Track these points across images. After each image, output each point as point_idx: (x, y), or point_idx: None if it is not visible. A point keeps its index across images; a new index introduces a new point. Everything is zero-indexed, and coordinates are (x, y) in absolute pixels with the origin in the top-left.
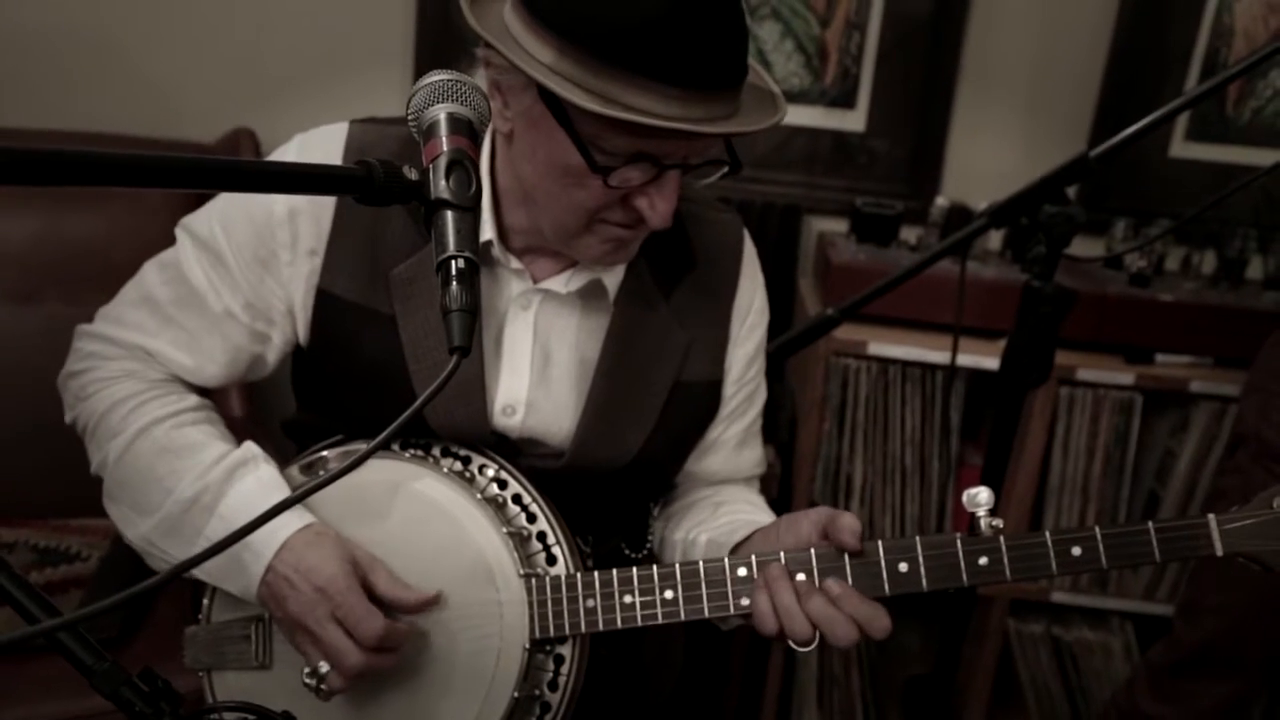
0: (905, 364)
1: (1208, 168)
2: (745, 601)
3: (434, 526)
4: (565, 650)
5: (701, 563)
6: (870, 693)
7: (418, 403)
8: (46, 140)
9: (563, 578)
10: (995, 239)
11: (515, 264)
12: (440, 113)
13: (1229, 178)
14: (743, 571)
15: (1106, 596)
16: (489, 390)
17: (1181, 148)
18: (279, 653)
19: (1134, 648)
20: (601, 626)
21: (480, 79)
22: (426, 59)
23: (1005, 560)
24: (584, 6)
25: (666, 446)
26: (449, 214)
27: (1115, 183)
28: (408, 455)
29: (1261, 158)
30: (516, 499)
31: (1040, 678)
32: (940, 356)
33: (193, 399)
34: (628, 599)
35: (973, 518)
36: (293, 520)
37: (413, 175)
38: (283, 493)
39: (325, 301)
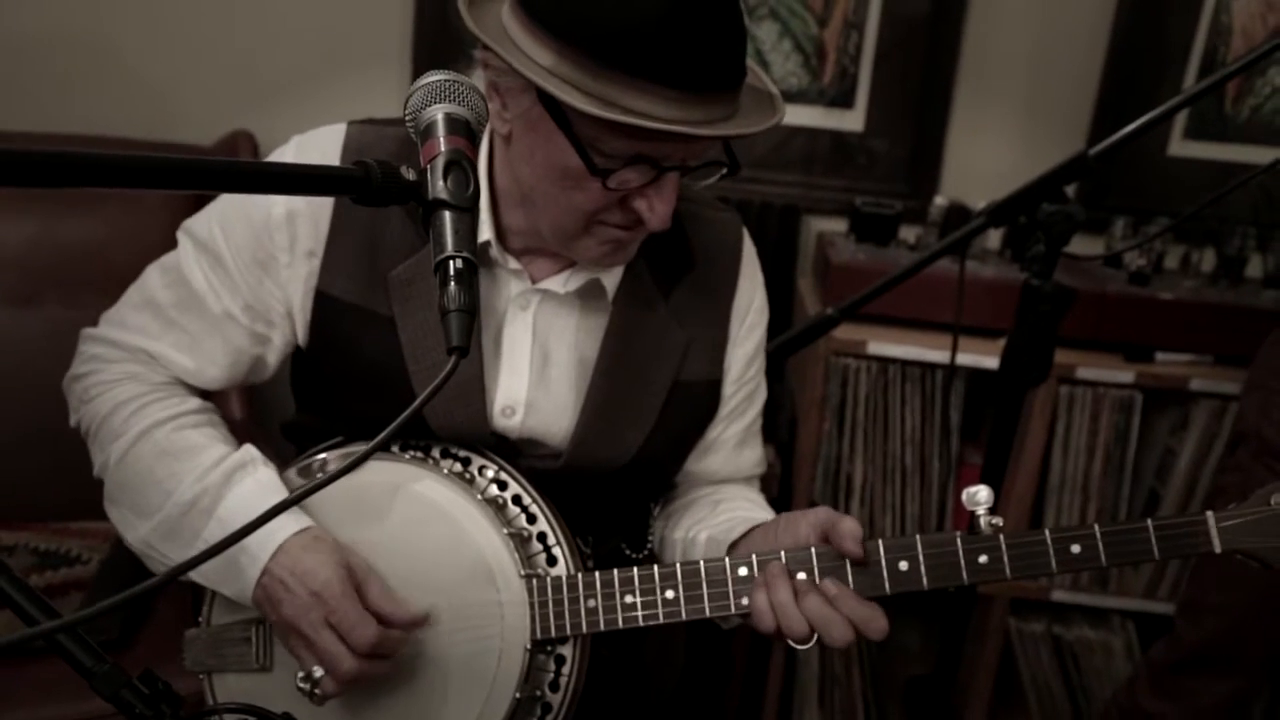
0: (905, 363)
1: (1207, 166)
2: (746, 601)
3: (434, 528)
4: (566, 651)
5: (702, 562)
6: (871, 692)
7: (415, 404)
8: (44, 143)
9: (563, 578)
10: (994, 238)
11: (514, 264)
12: (438, 113)
13: (1228, 176)
14: (744, 571)
15: (1107, 595)
16: (488, 391)
17: (1180, 146)
18: (279, 655)
19: (1135, 646)
20: (603, 626)
21: (478, 80)
22: (424, 60)
23: (1005, 558)
24: (582, 9)
25: (666, 446)
26: (447, 214)
27: (1114, 181)
28: (407, 457)
29: (1260, 155)
30: (516, 500)
31: (1041, 677)
32: (940, 356)
33: (194, 401)
34: (628, 599)
35: (972, 516)
36: (290, 523)
37: (410, 176)
38: (281, 495)
39: (324, 303)
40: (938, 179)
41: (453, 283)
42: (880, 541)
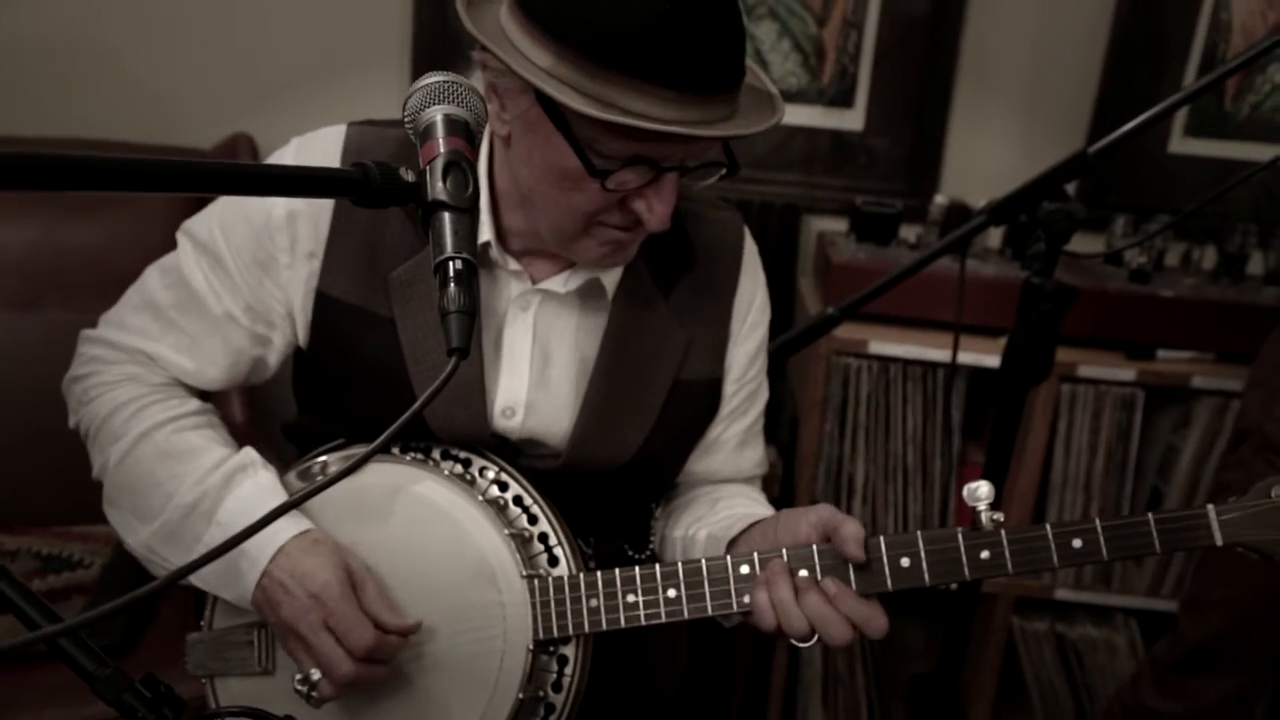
0: (906, 362)
1: (1207, 163)
2: (748, 599)
3: (435, 529)
4: (569, 651)
5: (704, 560)
6: (875, 691)
7: (415, 406)
8: (43, 147)
9: (565, 578)
10: (995, 236)
11: (514, 265)
12: (436, 114)
13: (1228, 173)
14: (745, 569)
15: (1110, 593)
16: (488, 392)
17: (1180, 143)
18: (281, 658)
19: (1138, 644)
20: (605, 626)
21: (477, 82)
22: (423, 62)
23: (1007, 553)
24: (580, 10)
25: (666, 446)
26: (446, 215)
27: (1115, 179)
28: (408, 459)
29: (1260, 152)
30: (518, 500)
31: (1045, 675)
32: (941, 355)
33: (194, 403)
34: (630, 598)
35: (974, 512)
36: (289, 526)
37: (409, 177)
38: (280, 498)
39: (324, 304)
40: (938, 178)
41: (452, 284)
42: (882, 538)
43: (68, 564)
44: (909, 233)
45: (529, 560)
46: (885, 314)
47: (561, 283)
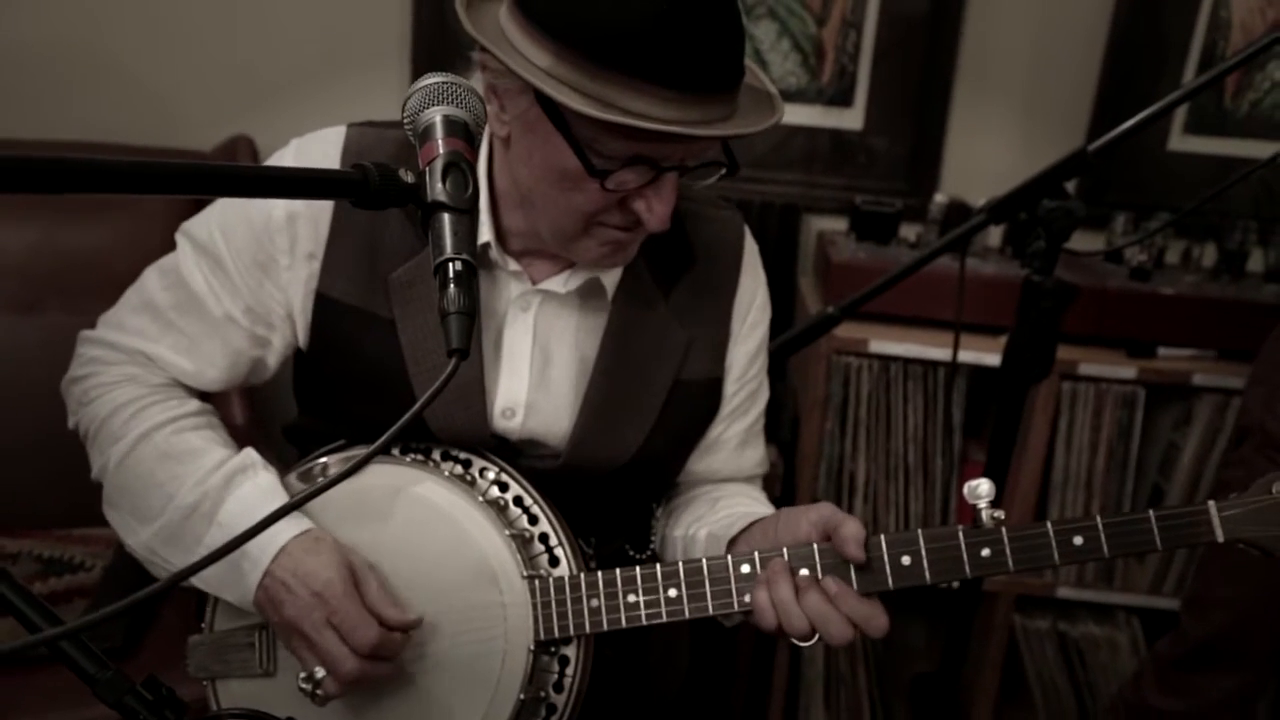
0: (907, 361)
1: (1207, 160)
2: (749, 598)
3: (436, 530)
4: (570, 651)
5: (705, 560)
6: (877, 690)
7: (416, 407)
8: (44, 150)
9: (566, 578)
10: (995, 235)
11: (513, 266)
12: (436, 115)
13: (1228, 170)
14: (746, 568)
15: (1112, 591)
16: (488, 393)
17: (1180, 141)
18: (283, 660)
19: (1140, 642)
20: (606, 626)
21: (477, 83)
22: (423, 63)
23: (1007, 551)
24: (580, 10)
25: (667, 445)
26: (446, 216)
27: (1114, 177)
28: (408, 460)
29: (1260, 150)
30: (518, 501)
31: (1047, 673)
32: (942, 353)
33: (194, 404)
34: (631, 598)
35: (975, 510)
36: (290, 526)
37: (409, 178)
38: (281, 499)
39: (324, 305)
40: (937, 177)
41: (452, 285)
42: (883, 537)
43: (69, 567)
44: (909, 232)
45: (530, 561)
46: (886, 313)
47: (561, 283)
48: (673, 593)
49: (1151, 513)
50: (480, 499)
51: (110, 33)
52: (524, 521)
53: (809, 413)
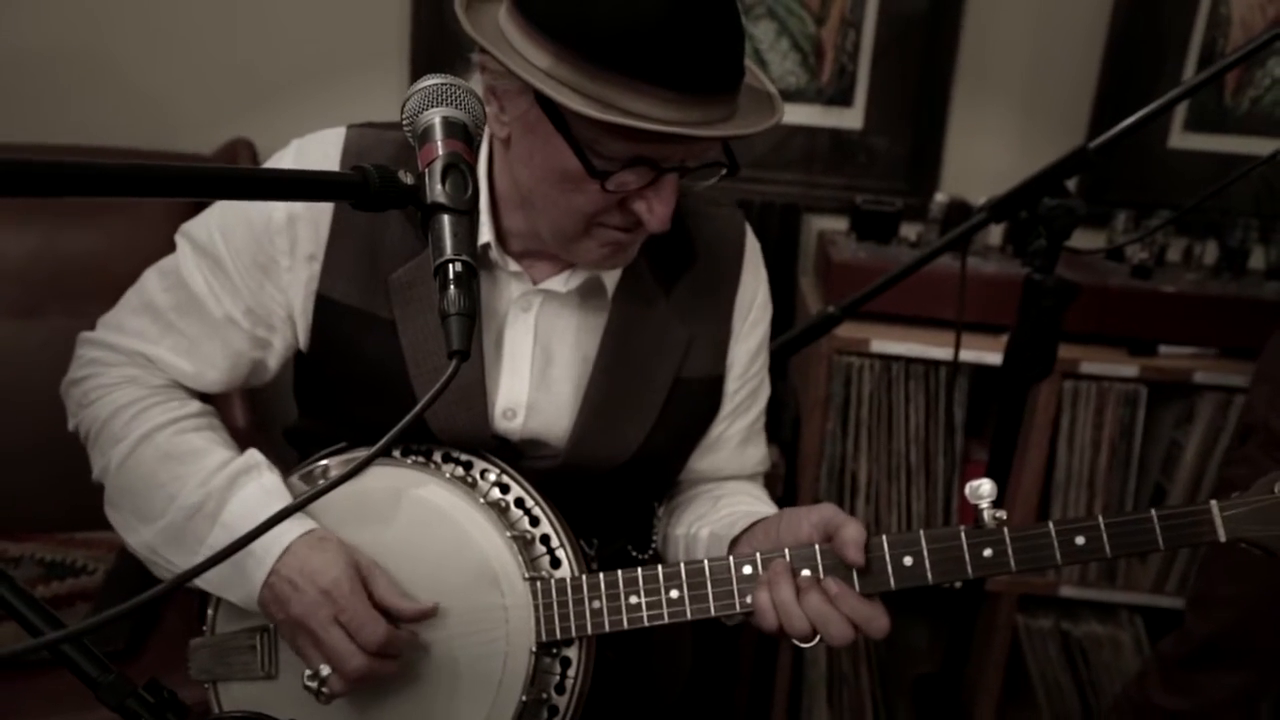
0: (908, 361)
1: (1207, 158)
2: (751, 599)
3: (437, 532)
4: (572, 653)
5: (707, 561)
6: (880, 691)
7: (416, 409)
8: (44, 155)
9: (567, 580)
10: (995, 234)
11: (514, 267)
12: (435, 117)
13: (1229, 167)
14: (748, 570)
15: (1115, 590)
16: (489, 394)
17: (1180, 138)
18: (284, 662)
19: (1144, 641)
20: (608, 628)
21: (476, 84)
22: (422, 64)
23: (1009, 551)
24: (579, 10)
25: (668, 443)
26: (445, 218)
27: (1115, 174)
28: (409, 461)
29: (1261, 146)
30: (519, 503)
31: (1050, 673)
32: (943, 353)
33: (194, 405)
34: (633, 599)
35: (977, 510)
36: (295, 527)
37: (408, 180)
38: (285, 500)
39: (325, 306)
40: (938, 176)
41: (452, 286)
42: (884, 537)
43: (71, 570)
44: (909, 231)
45: (531, 562)
46: (887, 312)
47: (562, 282)
48: (674, 594)
49: (1153, 512)
50: (481, 501)
51: (109, 37)
52: (525, 523)
53: (810, 413)
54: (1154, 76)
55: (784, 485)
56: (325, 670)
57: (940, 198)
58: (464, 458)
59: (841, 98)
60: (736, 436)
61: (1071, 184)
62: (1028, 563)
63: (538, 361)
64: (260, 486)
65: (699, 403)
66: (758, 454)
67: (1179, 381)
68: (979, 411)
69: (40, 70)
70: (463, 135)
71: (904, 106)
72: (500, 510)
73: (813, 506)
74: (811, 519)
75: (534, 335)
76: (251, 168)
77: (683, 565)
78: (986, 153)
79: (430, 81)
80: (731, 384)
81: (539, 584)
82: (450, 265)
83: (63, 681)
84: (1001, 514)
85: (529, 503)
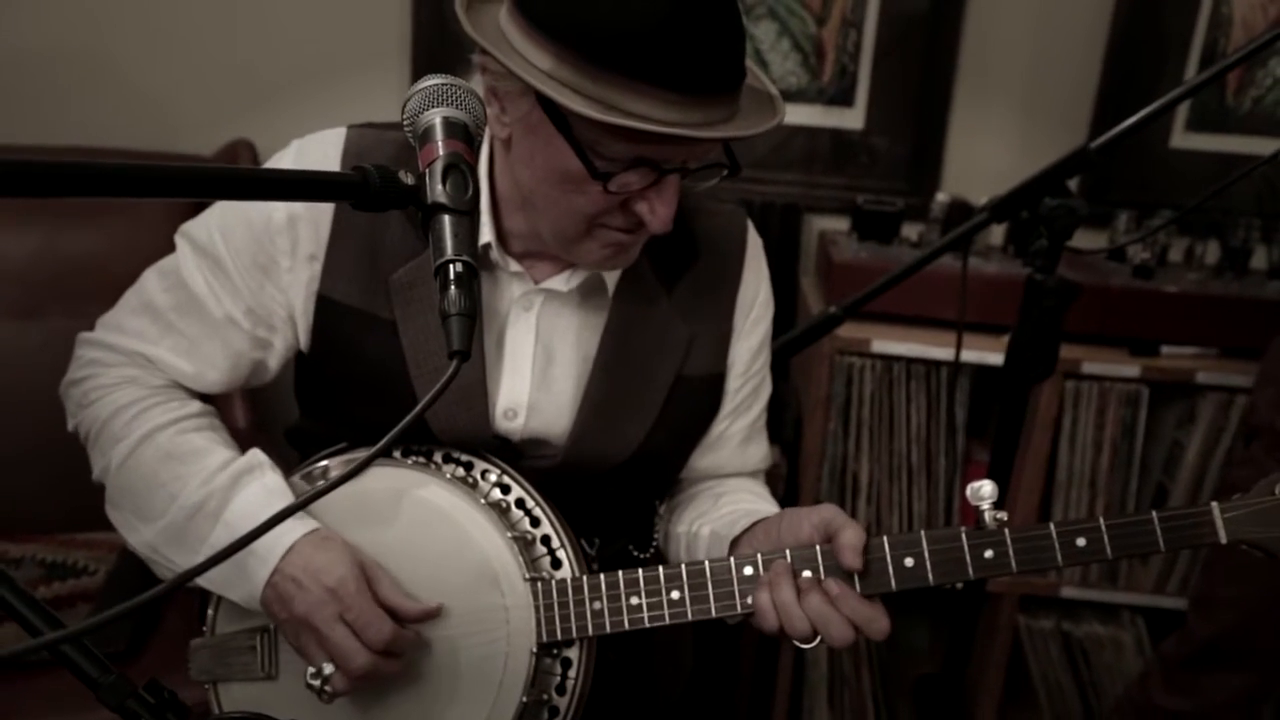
0: (909, 361)
1: (1209, 158)
2: (752, 600)
3: (438, 532)
4: (573, 654)
5: (708, 562)
6: (881, 691)
7: (417, 409)
8: (43, 155)
9: (568, 580)
10: (997, 234)
11: (515, 267)
12: (435, 117)
13: (1231, 167)
14: (749, 570)
15: (1116, 591)
16: (490, 394)
17: (1182, 138)
18: (285, 663)
19: (1145, 642)
20: (609, 629)
21: (477, 85)
22: (423, 65)
23: (1010, 552)
24: (580, 11)
25: (668, 441)
26: (446, 218)
27: (1116, 174)
28: (410, 462)
29: (1263, 146)
30: (520, 503)
31: (1051, 673)
32: (944, 353)
33: (195, 405)
34: (634, 600)
35: (978, 511)
36: (298, 526)
37: (409, 180)
38: (288, 500)
39: (325, 307)
40: (939, 176)
41: (453, 286)
42: (885, 538)
43: (72, 571)
44: (910, 231)
45: (532, 563)
46: (888, 312)
47: (563, 281)
48: (675, 595)
49: (1154, 514)
50: (482, 501)
51: (109, 37)
52: (526, 524)
53: (812, 413)
54: (1155, 76)
55: (785, 485)
56: (328, 669)
57: (941, 198)
58: (464, 458)
59: (842, 98)
60: (738, 434)
61: (1073, 184)
62: (1029, 564)
63: (539, 361)
64: (263, 486)
65: (700, 401)
66: (759, 452)
67: (1181, 382)
68: (980, 412)
69: (40, 70)
70: (463, 135)
71: (905, 106)
72: (501, 511)
73: (814, 507)
74: (813, 520)
75: (535, 335)
76: (251, 168)
77: (684, 566)
78: (988, 153)
79: (431, 81)
80: (733, 382)
81: (540, 585)
82: (451, 265)
83: (63, 682)
84: (1002, 515)
85: (530, 503)
